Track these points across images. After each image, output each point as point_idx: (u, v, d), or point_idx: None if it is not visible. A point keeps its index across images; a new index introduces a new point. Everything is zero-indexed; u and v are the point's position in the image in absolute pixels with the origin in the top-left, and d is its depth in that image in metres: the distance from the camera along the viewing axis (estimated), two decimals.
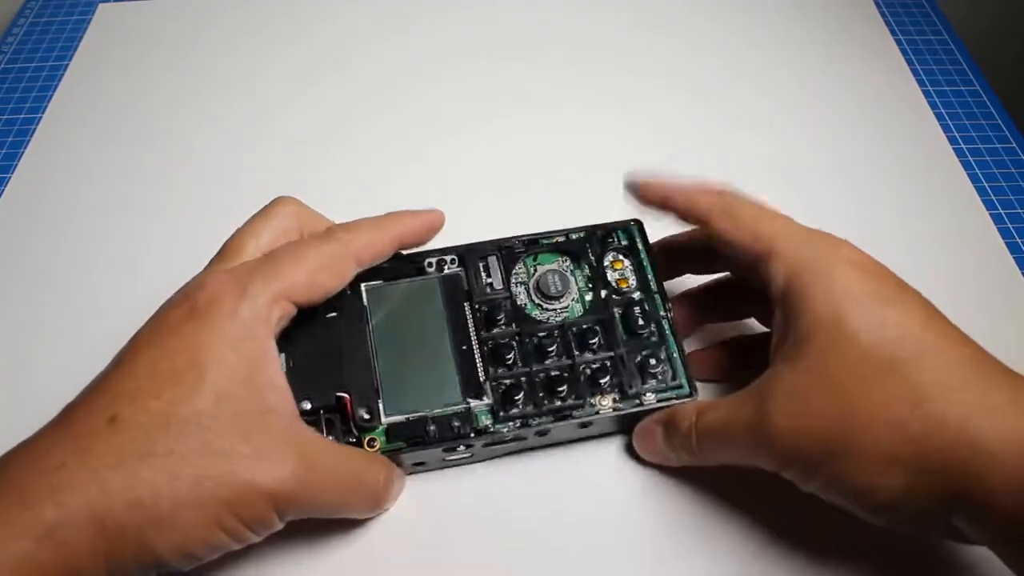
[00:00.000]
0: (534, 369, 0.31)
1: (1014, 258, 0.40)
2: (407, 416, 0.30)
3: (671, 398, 0.31)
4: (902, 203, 0.42)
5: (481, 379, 0.31)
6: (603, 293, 0.33)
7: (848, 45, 0.52)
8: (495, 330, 0.32)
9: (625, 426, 0.32)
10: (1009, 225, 0.41)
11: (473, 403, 0.30)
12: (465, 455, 0.31)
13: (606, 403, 0.30)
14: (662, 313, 0.32)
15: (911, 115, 0.47)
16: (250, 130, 0.47)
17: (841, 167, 0.44)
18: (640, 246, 0.34)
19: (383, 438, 0.29)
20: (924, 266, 0.39)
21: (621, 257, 0.34)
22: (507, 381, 0.31)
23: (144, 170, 0.45)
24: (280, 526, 0.26)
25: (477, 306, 0.32)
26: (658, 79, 0.49)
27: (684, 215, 0.32)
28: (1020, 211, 0.42)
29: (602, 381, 0.31)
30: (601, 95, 0.48)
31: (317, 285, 0.28)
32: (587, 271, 0.33)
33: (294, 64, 0.51)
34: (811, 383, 0.26)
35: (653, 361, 0.31)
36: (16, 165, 0.45)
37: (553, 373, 0.31)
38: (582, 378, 0.31)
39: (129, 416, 0.24)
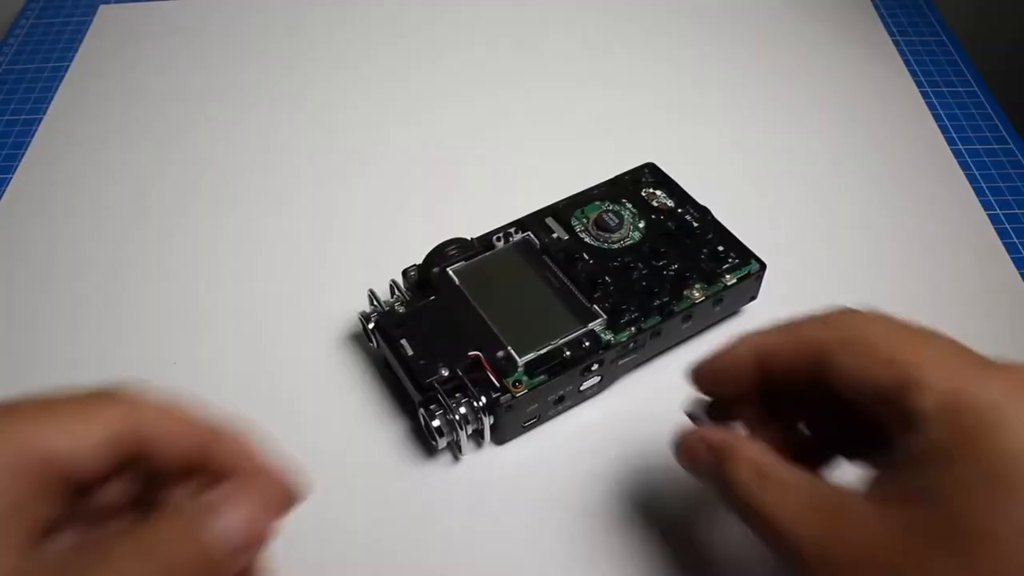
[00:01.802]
0: (627, 282, 0.34)
1: (1012, 258, 0.40)
2: (539, 351, 0.32)
3: (747, 274, 0.35)
4: (900, 203, 0.42)
5: (587, 305, 0.33)
6: (653, 216, 0.37)
7: (846, 46, 0.52)
8: (579, 266, 0.35)
9: (717, 316, 0.36)
10: (1007, 225, 0.41)
11: (591, 324, 0.33)
12: (595, 380, 0.33)
13: (697, 293, 0.34)
14: (708, 217, 0.37)
15: (909, 115, 0.47)
16: (251, 130, 0.47)
17: (839, 167, 0.44)
18: (665, 179, 0.39)
19: (525, 377, 0.31)
20: (922, 266, 0.39)
21: (652, 190, 0.38)
22: (610, 299, 0.34)
23: (145, 171, 0.45)
24: None
25: (555, 254, 0.36)
26: (656, 80, 0.50)
27: (787, 366, 0.24)
28: (1018, 211, 0.42)
29: (686, 275, 0.35)
30: (598, 94, 0.49)
31: (67, 431, 0.20)
32: (630, 207, 0.38)
33: (295, 63, 0.51)
34: (890, 555, 0.20)
35: (720, 249, 0.36)
36: (17, 166, 0.45)
37: (644, 283, 0.34)
38: (668, 280, 0.35)
39: None
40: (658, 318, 0.33)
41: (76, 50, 0.53)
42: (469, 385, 0.31)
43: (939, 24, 0.54)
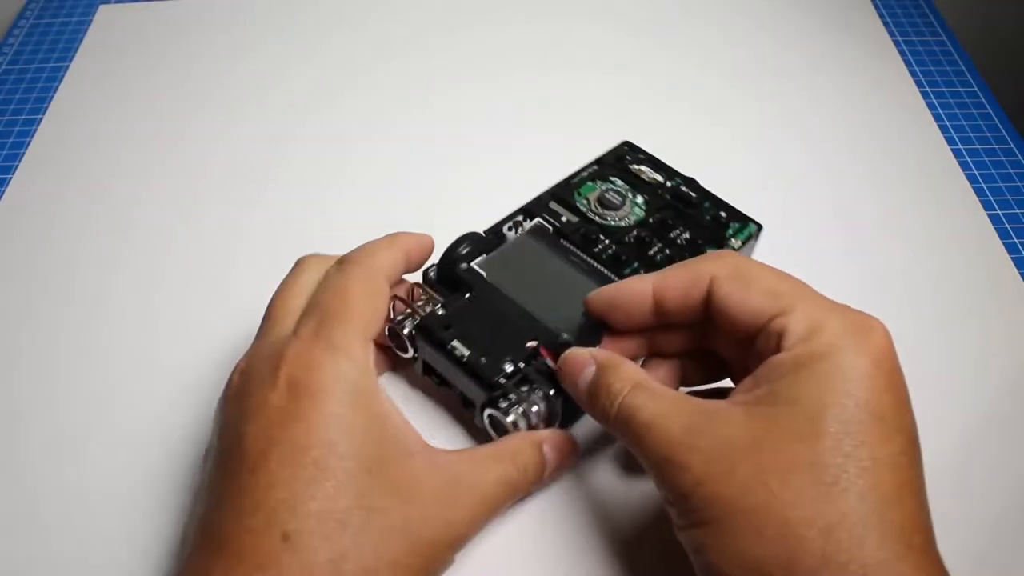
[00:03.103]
0: (650, 255, 0.35)
1: (1012, 258, 0.40)
2: None
3: (748, 236, 0.37)
4: (900, 203, 0.42)
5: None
6: (649, 190, 0.38)
7: (847, 46, 0.52)
8: (599, 247, 0.35)
9: None
10: (1007, 225, 0.41)
11: None
12: None
13: None
14: (700, 186, 0.38)
15: (909, 116, 0.47)
16: (251, 130, 0.47)
17: (839, 168, 0.44)
18: (646, 155, 0.40)
19: None
20: (922, 266, 0.40)
21: (638, 166, 0.39)
22: (640, 273, 0.34)
23: (145, 170, 0.45)
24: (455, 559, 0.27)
25: (571, 236, 0.36)
26: (656, 83, 0.50)
27: (682, 295, 0.28)
28: (1018, 211, 0.42)
29: (699, 243, 0.36)
30: (594, 92, 0.49)
31: (377, 313, 0.29)
32: (621, 184, 0.38)
33: (296, 64, 0.51)
34: (750, 445, 0.24)
35: (723, 215, 0.37)
36: (17, 166, 0.45)
37: (666, 252, 0.35)
38: (686, 250, 0.36)
39: (299, 528, 0.23)
40: None
41: (76, 50, 0.53)
42: (534, 376, 0.30)
43: (939, 24, 0.54)
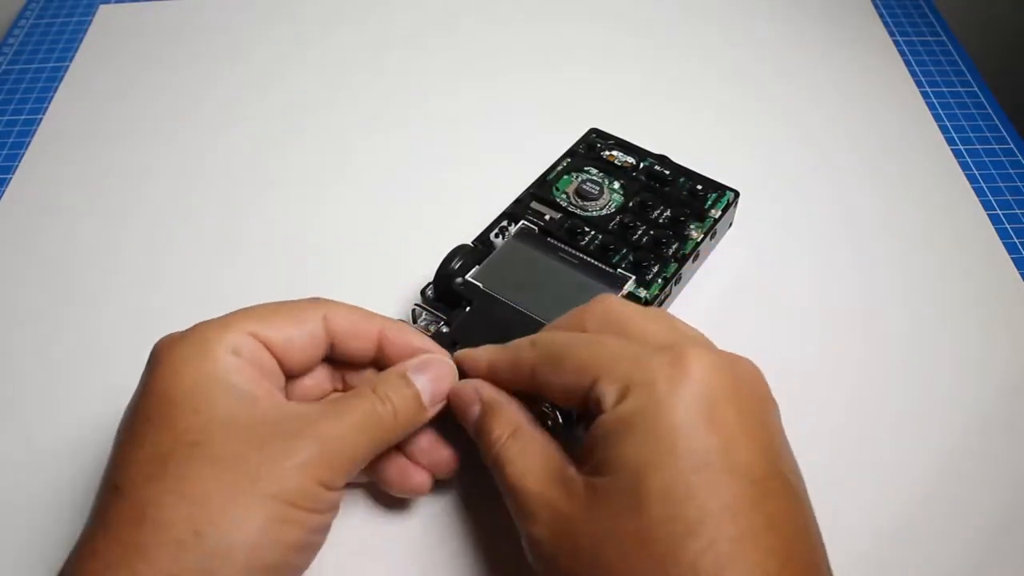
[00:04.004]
0: (635, 240, 0.36)
1: (1012, 258, 0.40)
2: None
3: (726, 205, 0.38)
4: (899, 203, 0.42)
5: (612, 271, 0.35)
6: (623, 174, 0.39)
7: (846, 46, 0.52)
8: (585, 239, 0.36)
9: (711, 248, 0.38)
10: (1007, 225, 0.41)
11: (626, 287, 0.34)
12: None
13: (695, 233, 0.36)
14: (670, 162, 0.39)
15: (909, 116, 0.47)
16: (250, 130, 0.47)
17: (838, 168, 0.44)
18: (615, 139, 0.41)
19: None
20: (922, 266, 0.39)
21: (609, 152, 0.40)
22: (628, 260, 0.35)
23: (145, 171, 0.45)
24: (337, 495, 0.26)
25: (557, 233, 0.36)
26: (656, 83, 0.50)
27: (512, 380, 0.28)
28: (1018, 211, 0.42)
29: (680, 219, 0.37)
30: (594, 92, 0.49)
31: (280, 327, 0.27)
32: (595, 172, 0.39)
33: (295, 64, 0.51)
34: (589, 519, 0.24)
35: (699, 187, 0.38)
36: (17, 166, 0.45)
37: (651, 233, 0.36)
38: (668, 228, 0.36)
39: (125, 477, 0.24)
40: (675, 264, 0.35)
41: (76, 50, 0.53)
42: None
43: (939, 24, 0.54)
